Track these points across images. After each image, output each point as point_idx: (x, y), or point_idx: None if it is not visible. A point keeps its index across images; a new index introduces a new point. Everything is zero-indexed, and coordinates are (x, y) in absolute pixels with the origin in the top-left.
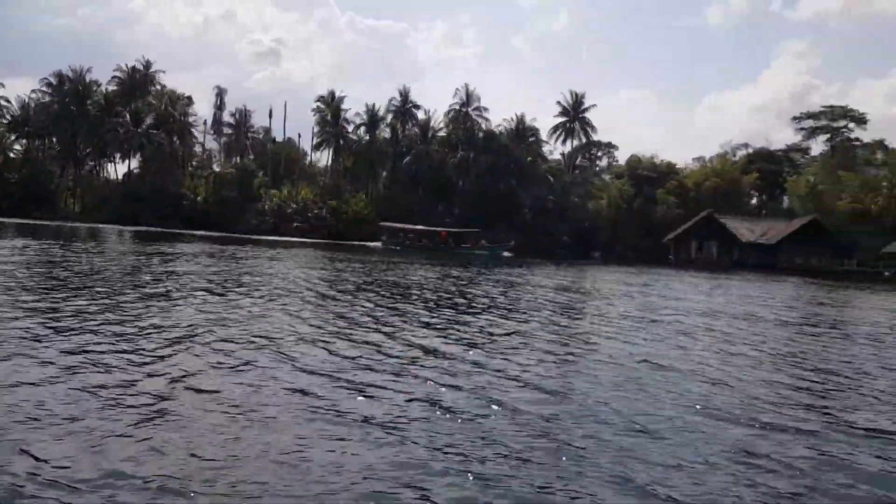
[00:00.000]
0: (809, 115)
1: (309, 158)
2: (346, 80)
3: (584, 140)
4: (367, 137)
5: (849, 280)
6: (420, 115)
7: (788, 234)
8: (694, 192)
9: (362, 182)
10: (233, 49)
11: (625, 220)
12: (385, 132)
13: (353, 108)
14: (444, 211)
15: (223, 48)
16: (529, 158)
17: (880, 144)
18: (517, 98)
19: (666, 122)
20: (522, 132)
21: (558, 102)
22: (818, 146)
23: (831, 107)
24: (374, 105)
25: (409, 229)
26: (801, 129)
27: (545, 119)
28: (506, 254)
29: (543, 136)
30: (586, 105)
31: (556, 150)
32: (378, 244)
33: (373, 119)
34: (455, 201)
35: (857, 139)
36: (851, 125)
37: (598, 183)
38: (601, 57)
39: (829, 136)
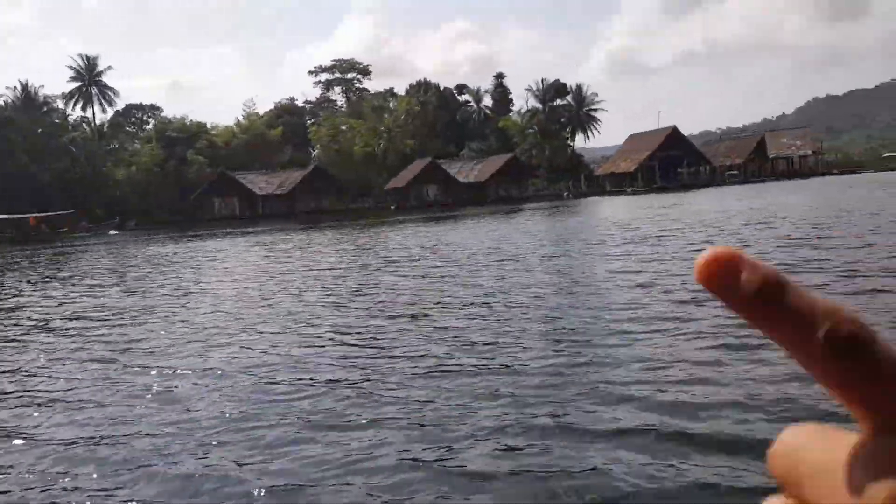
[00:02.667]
0: (324, 69)
1: None
2: None
3: (106, 105)
4: None
5: (358, 216)
6: None
7: (299, 181)
8: (225, 150)
9: None
10: None
11: (158, 184)
12: None
13: None
14: None
15: None
16: (41, 130)
17: (391, 92)
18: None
19: (252, 79)
20: (32, 102)
21: (69, 67)
22: (338, 97)
23: (340, 60)
24: None
25: None
26: (319, 82)
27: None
28: (112, 232)
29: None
30: (101, 68)
31: (93, 117)
32: None
33: None
34: None
35: (365, 89)
36: (360, 76)
37: (131, 149)
38: (180, 12)
39: (342, 87)
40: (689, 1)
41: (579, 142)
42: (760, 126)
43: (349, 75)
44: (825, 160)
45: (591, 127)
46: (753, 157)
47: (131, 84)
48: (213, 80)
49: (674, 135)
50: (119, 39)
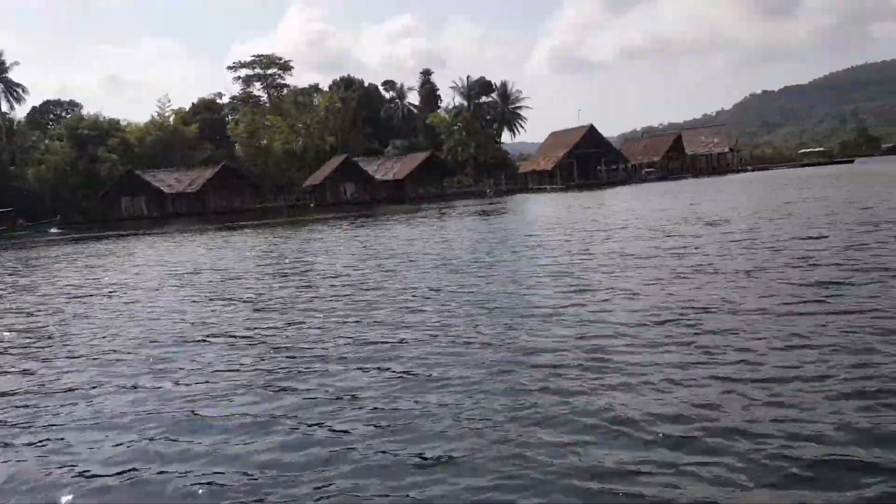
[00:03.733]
0: (243, 65)
1: None
2: None
3: (14, 102)
4: None
5: (273, 214)
6: None
7: (208, 179)
8: (139, 148)
9: None
10: None
11: (70, 183)
12: None
13: None
14: None
15: None
16: None
17: (315, 88)
18: None
19: (195, 73)
20: None
21: None
22: (261, 93)
23: (260, 55)
24: None
25: None
26: (239, 77)
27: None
28: (53, 230)
29: None
30: (7, 63)
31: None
32: None
33: None
34: None
35: (286, 84)
36: (281, 72)
37: (42, 147)
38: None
39: (263, 83)
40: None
41: (518, 138)
42: (699, 122)
43: (270, 70)
44: (740, 157)
45: (517, 124)
46: (671, 155)
47: (67, 79)
48: (154, 74)
49: (591, 133)
50: (55, 33)
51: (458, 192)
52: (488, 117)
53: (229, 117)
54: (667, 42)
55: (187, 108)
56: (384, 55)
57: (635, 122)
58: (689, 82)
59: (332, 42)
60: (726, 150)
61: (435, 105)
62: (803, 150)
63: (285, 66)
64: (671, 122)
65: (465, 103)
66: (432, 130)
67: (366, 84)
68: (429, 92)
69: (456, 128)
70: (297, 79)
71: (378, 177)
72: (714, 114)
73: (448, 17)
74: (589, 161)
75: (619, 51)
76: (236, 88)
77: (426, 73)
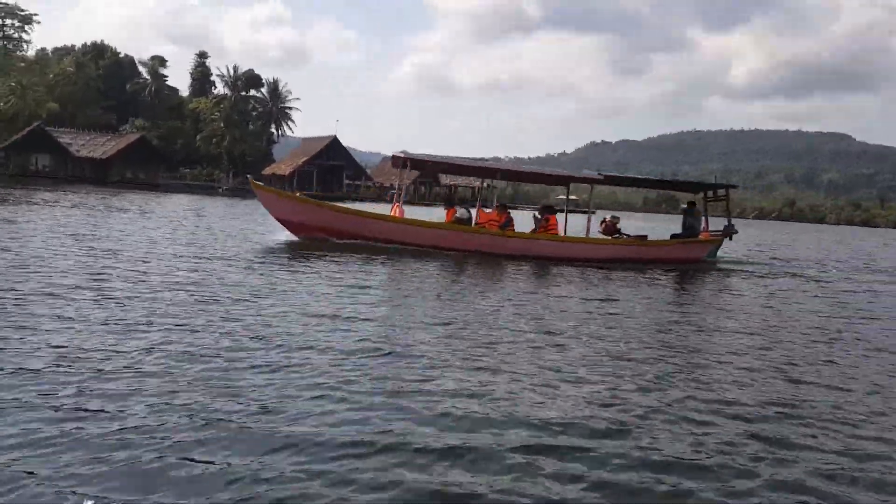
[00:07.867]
0: None
1: None
2: None
3: None
4: None
5: None
6: None
7: None
8: None
9: None
10: None
11: None
12: None
13: None
14: None
15: None
16: None
17: (67, 51)
18: None
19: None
20: None
21: None
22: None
23: (2, 3)
24: None
25: None
26: None
27: None
28: None
29: None
30: None
31: None
32: None
33: None
34: None
35: (27, 40)
36: (22, 24)
37: None
38: None
39: None
40: (501, 32)
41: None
42: (544, 160)
43: (8, 21)
44: (495, 194)
45: (286, 123)
46: (423, 181)
47: None
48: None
49: (334, 144)
50: None
51: (190, 184)
52: (255, 113)
53: None
54: (525, 81)
55: None
56: (245, 40)
57: (488, 150)
58: (539, 122)
59: (189, 16)
60: (477, 185)
61: (207, 91)
62: (560, 197)
63: (27, 20)
64: (517, 156)
65: (230, 94)
66: (197, 117)
67: (121, 55)
68: (201, 76)
69: (214, 117)
70: (148, 50)
71: (83, 153)
72: (557, 155)
73: (318, 15)
74: (332, 173)
75: (483, 80)
76: None
77: (202, 56)
